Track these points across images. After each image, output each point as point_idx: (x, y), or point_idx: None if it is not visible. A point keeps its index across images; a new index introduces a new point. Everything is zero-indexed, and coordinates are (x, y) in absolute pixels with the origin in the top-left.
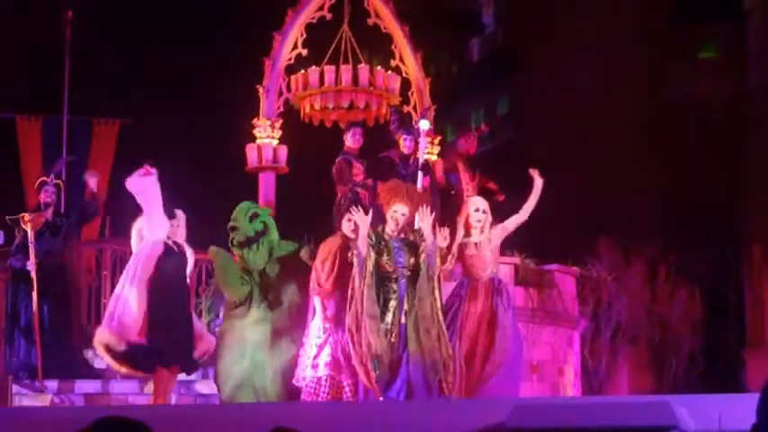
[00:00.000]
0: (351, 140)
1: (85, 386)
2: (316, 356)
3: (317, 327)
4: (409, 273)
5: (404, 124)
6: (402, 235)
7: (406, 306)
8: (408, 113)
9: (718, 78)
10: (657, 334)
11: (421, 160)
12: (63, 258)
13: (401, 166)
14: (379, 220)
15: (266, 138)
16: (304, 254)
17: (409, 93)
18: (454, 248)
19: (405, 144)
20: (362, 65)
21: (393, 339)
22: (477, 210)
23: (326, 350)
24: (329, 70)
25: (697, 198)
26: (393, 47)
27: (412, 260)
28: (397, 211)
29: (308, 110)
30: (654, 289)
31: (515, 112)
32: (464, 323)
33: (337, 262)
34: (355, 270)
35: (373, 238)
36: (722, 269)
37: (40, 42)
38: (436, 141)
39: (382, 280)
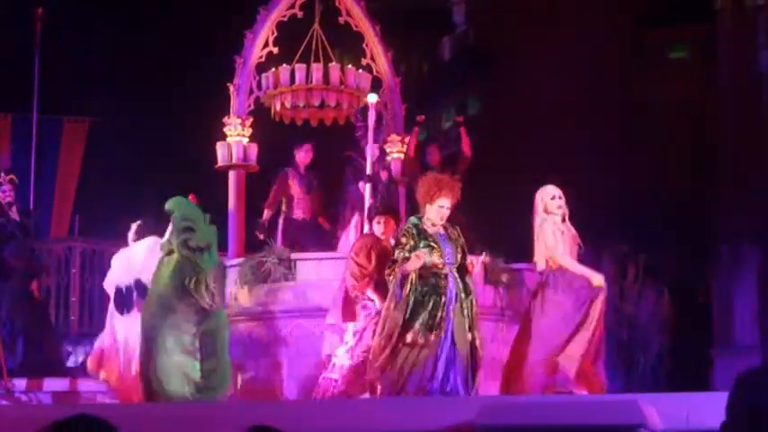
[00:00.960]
0: (302, 155)
1: (54, 384)
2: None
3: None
4: (456, 270)
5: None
6: (442, 230)
7: (455, 303)
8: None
9: (688, 79)
10: (626, 333)
11: (371, 134)
12: (28, 257)
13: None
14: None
15: (237, 136)
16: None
17: (380, 92)
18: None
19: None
20: (333, 63)
21: (442, 334)
22: (555, 197)
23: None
24: (300, 68)
25: (667, 198)
26: (364, 45)
27: (459, 255)
28: (443, 206)
29: (278, 108)
30: (622, 288)
31: (485, 112)
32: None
33: (373, 259)
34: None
35: (415, 233)
36: (691, 269)
37: (9, 39)
38: (406, 140)
39: (428, 277)
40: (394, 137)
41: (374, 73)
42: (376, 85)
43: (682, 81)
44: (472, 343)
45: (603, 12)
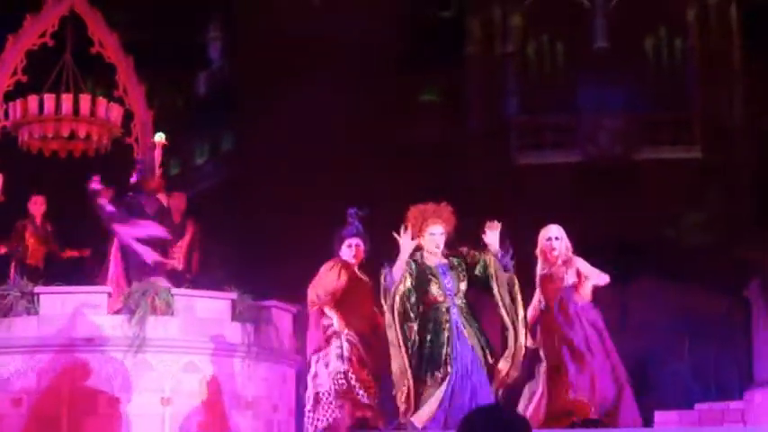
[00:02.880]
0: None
1: None
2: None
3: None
4: (459, 300)
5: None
6: (444, 260)
7: (465, 332)
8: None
9: (438, 120)
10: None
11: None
12: None
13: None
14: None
15: None
16: None
17: (132, 125)
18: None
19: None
20: (84, 94)
21: (449, 370)
22: (551, 239)
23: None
24: (49, 98)
25: None
26: (117, 77)
27: (461, 284)
28: (434, 234)
29: (26, 138)
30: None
31: (239, 148)
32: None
33: (343, 278)
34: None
35: (414, 269)
36: None
37: None
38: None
39: (429, 312)
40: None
41: (126, 105)
42: (128, 118)
43: (433, 122)
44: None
45: (360, 54)
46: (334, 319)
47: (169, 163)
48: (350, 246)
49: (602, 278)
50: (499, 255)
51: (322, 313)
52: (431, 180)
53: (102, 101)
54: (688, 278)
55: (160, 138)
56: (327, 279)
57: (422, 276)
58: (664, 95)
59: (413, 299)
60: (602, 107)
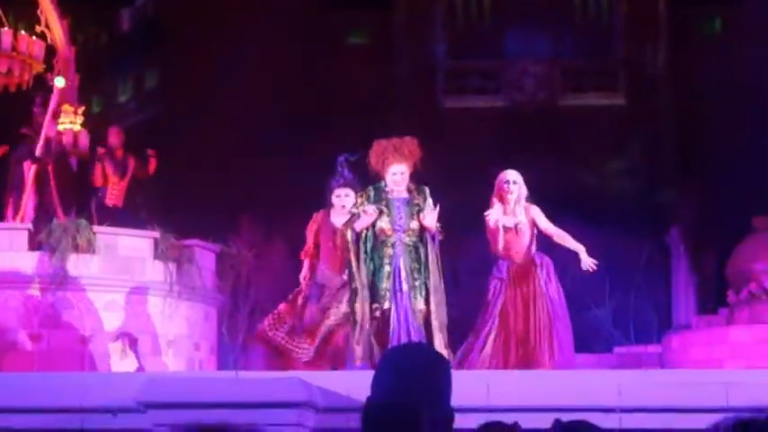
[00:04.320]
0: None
1: None
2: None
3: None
4: (408, 237)
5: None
6: (406, 195)
7: (403, 273)
8: None
9: (366, 63)
10: None
11: (48, 118)
12: None
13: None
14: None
15: None
16: None
17: (54, 60)
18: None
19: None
20: (5, 29)
21: (386, 306)
22: (509, 182)
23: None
24: None
25: None
26: (39, 12)
27: (415, 222)
28: (395, 173)
29: None
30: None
31: (164, 87)
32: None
33: (312, 237)
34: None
35: (372, 194)
36: None
37: None
38: (80, 112)
39: (379, 244)
40: (67, 107)
41: (49, 41)
42: (50, 54)
43: (361, 65)
44: (424, 314)
45: None
46: (303, 270)
47: (92, 100)
48: (338, 196)
49: (572, 244)
50: (431, 234)
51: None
52: (356, 123)
53: (23, 36)
54: (609, 224)
55: (60, 83)
56: (308, 235)
57: (378, 205)
58: (589, 43)
59: (368, 231)
60: (528, 53)
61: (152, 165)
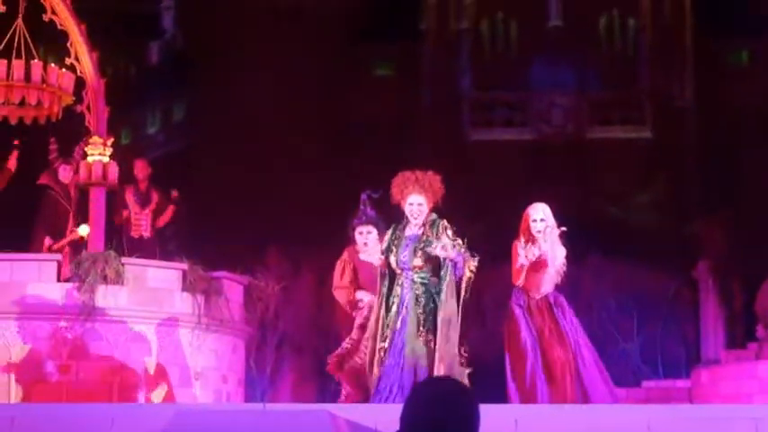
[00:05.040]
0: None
1: None
2: None
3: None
4: (417, 275)
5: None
6: (419, 231)
7: (404, 310)
8: None
9: (393, 95)
10: (322, 344)
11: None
12: None
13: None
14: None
15: None
16: None
17: (84, 92)
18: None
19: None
20: (36, 61)
21: (385, 344)
22: (536, 221)
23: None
24: (0, 64)
25: None
26: (69, 44)
27: (419, 260)
28: (412, 203)
29: None
30: (320, 299)
31: (191, 119)
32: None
33: (347, 268)
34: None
35: (391, 233)
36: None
37: None
38: (109, 143)
39: (392, 279)
40: (96, 139)
41: (78, 73)
42: (80, 86)
43: (387, 97)
44: (426, 345)
45: (314, 27)
46: (364, 299)
47: (120, 132)
48: (360, 233)
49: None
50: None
51: (353, 304)
52: (383, 156)
53: (53, 68)
54: (636, 258)
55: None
56: (335, 280)
57: (390, 244)
58: (615, 75)
59: (386, 270)
60: (555, 86)
61: (169, 210)
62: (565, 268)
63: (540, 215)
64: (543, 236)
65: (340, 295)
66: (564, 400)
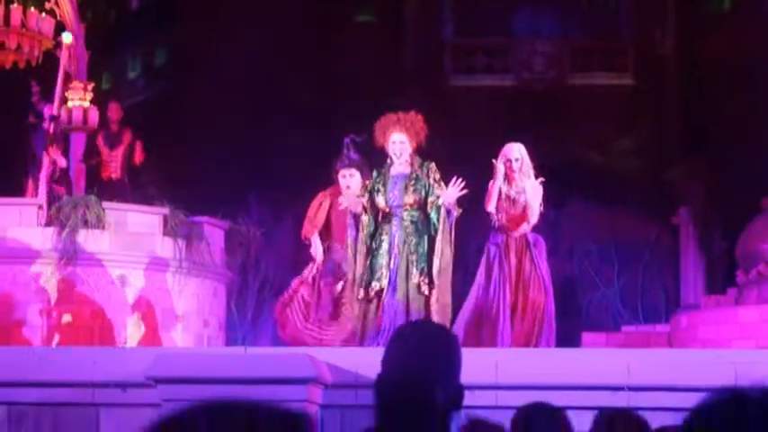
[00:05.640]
0: None
1: None
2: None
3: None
4: (407, 212)
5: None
6: (406, 170)
7: (396, 249)
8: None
9: (375, 40)
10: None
11: (61, 72)
12: None
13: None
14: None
15: None
16: None
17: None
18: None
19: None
20: (15, 5)
21: (383, 285)
22: (511, 160)
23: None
24: None
25: None
26: None
27: (411, 197)
28: (394, 142)
29: None
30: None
31: (173, 63)
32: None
33: (321, 212)
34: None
35: (375, 176)
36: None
37: None
38: (90, 88)
39: (382, 221)
40: (77, 84)
41: (58, 17)
42: (59, 30)
43: (371, 43)
44: (418, 288)
45: None
46: (313, 247)
47: (102, 76)
48: (344, 176)
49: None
50: (446, 209)
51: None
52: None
53: (33, 12)
54: (617, 204)
55: (67, 38)
56: (311, 211)
57: (376, 185)
58: (598, 22)
59: (370, 213)
60: (537, 33)
61: (138, 154)
62: (542, 208)
63: (516, 155)
64: (520, 173)
65: (308, 225)
66: (527, 341)
